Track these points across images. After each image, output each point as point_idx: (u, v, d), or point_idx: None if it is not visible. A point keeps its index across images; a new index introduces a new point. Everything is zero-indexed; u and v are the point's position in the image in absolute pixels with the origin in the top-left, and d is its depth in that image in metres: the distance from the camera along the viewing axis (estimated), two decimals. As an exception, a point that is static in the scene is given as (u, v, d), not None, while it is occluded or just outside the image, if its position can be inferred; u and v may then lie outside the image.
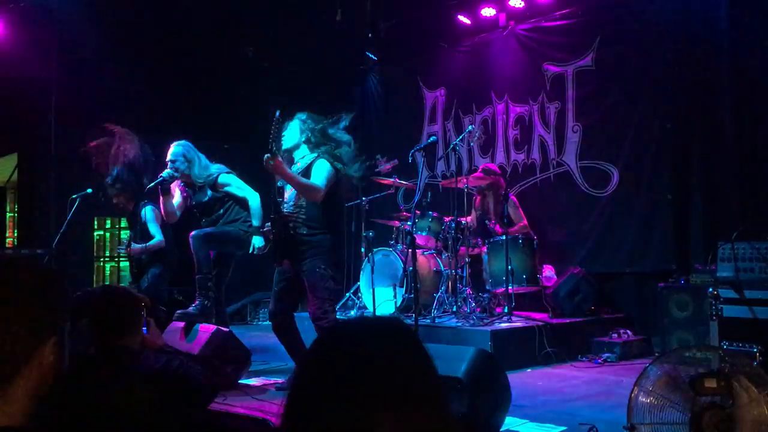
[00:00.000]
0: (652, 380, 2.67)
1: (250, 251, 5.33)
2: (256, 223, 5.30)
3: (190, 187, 5.49)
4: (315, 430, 1.03)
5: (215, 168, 5.45)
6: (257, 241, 5.28)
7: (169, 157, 5.37)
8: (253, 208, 5.34)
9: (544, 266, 6.81)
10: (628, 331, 6.14)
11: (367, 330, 1.14)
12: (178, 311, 5.18)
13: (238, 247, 5.44)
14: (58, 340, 1.28)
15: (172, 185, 5.47)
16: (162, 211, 5.47)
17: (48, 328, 1.27)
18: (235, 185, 5.40)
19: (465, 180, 6.58)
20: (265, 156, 4.33)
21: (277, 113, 4.45)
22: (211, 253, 5.33)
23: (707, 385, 2.53)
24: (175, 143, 5.44)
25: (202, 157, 5.46)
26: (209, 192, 5.40)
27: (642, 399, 2.64)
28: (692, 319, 5.60)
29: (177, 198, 5.52)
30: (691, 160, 6.39)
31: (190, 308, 5.17)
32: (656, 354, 5.96)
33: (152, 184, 5.36)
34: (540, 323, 5.94)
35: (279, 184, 4.69)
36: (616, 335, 6.05)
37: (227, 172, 5.45)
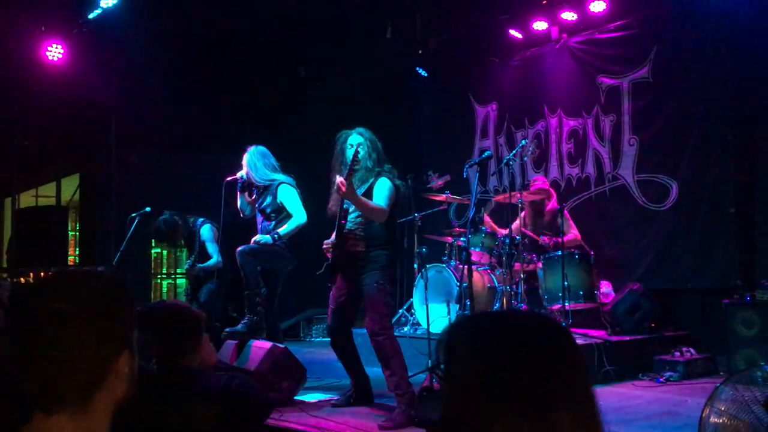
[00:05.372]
0: (724, 400, 2.57)
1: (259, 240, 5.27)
2: (281, 232, 5.23)
3: (258, 189, 5.52)
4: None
5: (281, 177, 5.45)
6: (263, 238, 5.25)
7: None
8: (292, 225, 5.26)
9: (601, 282, 6.65)
10: (691, 350, 5.94)
11: (523, 325, 1.10)
12: (227, 329, 5.19)
13: (284, 262, 5.41)
14: (131, 351, 1.28)
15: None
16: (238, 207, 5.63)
17: (122, 340, 1.27)
18: (290, 200, 5.35)
19: (519, 195, 6.50)
20: (338, 180, 4.35)
21: (356, 144, 4.54)
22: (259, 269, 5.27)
23: (782, 406, 2.42)
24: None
25: (264, 163, 5.45)
26: (269, 199, 5.42)
27: (713, 419, 2.54)
28: (759, 337, 5.38)
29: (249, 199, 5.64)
30: (755, 172, 6.17)
31: (238, 326, 5.16)
32: (721, 373, 5.75)
33: (230, 178, 5.50)
34: (598, 341, 5.79)
35: (344, 206, 4.65)
36: (678, 353, 5.85)
37: (290, 185, 5.41)
